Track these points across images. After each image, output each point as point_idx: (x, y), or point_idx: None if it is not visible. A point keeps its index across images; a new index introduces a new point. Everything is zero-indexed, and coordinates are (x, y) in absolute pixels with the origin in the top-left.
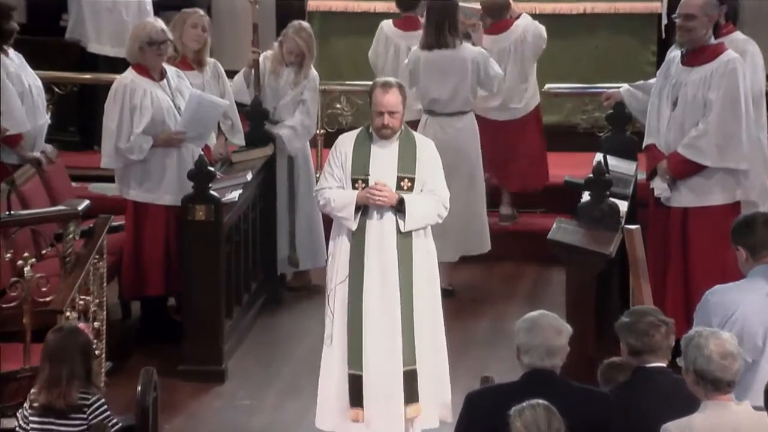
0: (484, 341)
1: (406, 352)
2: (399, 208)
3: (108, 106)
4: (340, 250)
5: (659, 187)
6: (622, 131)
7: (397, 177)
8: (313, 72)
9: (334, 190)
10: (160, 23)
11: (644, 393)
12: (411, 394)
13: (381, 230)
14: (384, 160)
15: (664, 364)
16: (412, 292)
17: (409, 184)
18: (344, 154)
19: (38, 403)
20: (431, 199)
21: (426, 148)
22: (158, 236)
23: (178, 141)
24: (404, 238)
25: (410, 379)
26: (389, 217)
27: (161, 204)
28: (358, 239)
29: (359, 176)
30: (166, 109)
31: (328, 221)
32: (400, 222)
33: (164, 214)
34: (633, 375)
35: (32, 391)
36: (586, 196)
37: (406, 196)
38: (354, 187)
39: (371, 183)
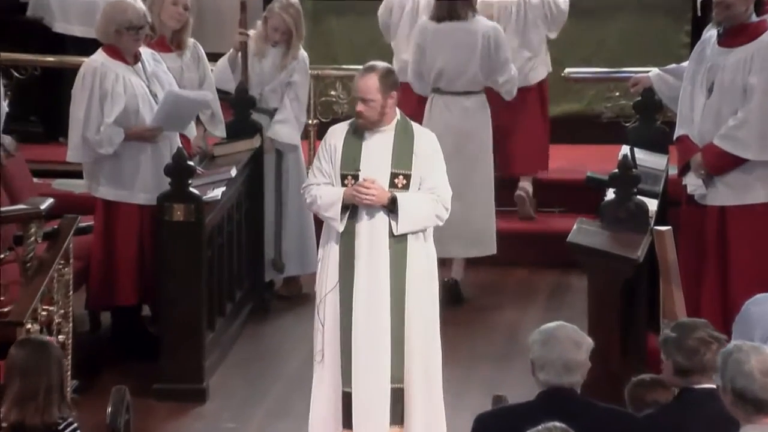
0: (496, 356)
1: (393, 368)
2: (392, 209)
3: (75, 93)
4: (329, 255)
5: (693, 183)
6: (652, 121)
7: (391, 173)
8: (302, 53)
9: (322, 187)
10: (140, 5)
11: (689, 418)
12: (395, 416)
13: (371, 233)
14: (376, 154)
15: (714, 386)
16: (404, 301)
17: (404, 181)
18: (333, 147)
19: (8, 422)
20: (429, 199)
21: (425, 141)
22: (131, 239)
23: (152, 136)
24: (398, 242)
25: (396, 399)
26: (381, 217)
27: (134, 203)
28: (346, 242)
29: (349, 172)
30: (141, 97)
31: (320, 223)
32: (393, 224)
33: (138, 214)
34: (678, 397)
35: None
36: (610, 194)
37: (399, 195)
38: (343, 184)
39: (361, 179)
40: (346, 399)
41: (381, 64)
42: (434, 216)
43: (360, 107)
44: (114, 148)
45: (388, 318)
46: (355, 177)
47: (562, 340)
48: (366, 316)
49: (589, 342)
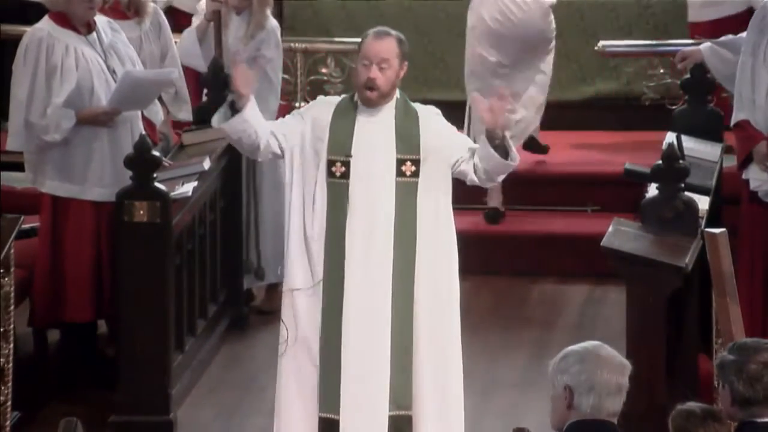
0: (519, 381)
1: (396, 390)
2: (502, 140)
3: (16, 68)
4: (313, 234)
5: (757, 177)
6: (703, 103)
7: (397, 159)
8: (272, 23)
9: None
10: None
11: None
12: None
13: (370, 219)
14: (374, 136)
15: None
16: (413, 302)
17: (413, 168)
18: (320, 120)
19: None
20: None
21: (429, 120)
22: (84, 243)
23: (108, 120)
24: (404, 227)
25: (401, 429)
26: (380, 205)
27: (88, 199)
28: (335, 227)
29: (338, 157)
30: (96, 73)
31: None
32: (500, 156)
33: (93, 214)
34: None
35: None
36: (653, 190)
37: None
38: (330, 171)
39: (353, 166)
40: (326, 427)
41: (391, 30)
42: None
43: (374, 73)
44: (63, 135)
45: (388, 321)
46: (346, 164)
47: (609, 360)
48: (362, 321)
49: (629, 366)
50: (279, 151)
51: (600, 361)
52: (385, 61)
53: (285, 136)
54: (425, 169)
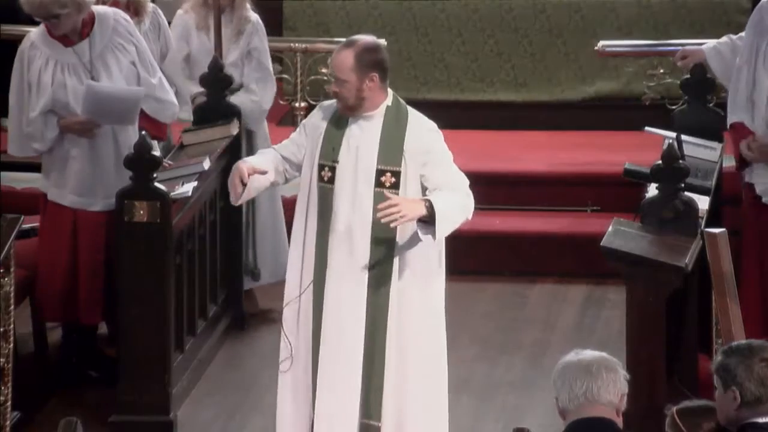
0: (519, 382)
1: (367, 400)
2: (429, 218)
3: (12, 75)
4: (306, 243)
5: (762, 181)
6: (703, 103)
7: (377, 170)
8: (253, 15)
9: (267, 152)
10: None
11: None
12: None
13: (350, 230)
14: (360, 145)
15: None
16: (387, 311)
17: (393, 179)
18: (318, 126)
19: None
20: (457, 198)
21: (419, 133)
22: (62, 246)
23: (85, 131)
24: (382, 237)
25: None
26: (359, 214)
27: (64, 204)
28: (320, 241)
29: (326, 162)
30: (71, 88)
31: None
32: (425, 233)
33: (69, 218)
34: None
35: None
36: (652, 190)
37: (433, 198)
38: (320, 176)
39: (338, 172)
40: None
41: (365, 38)
42: (464, 209)
43: (333, 87)
44: (48, 144)
45: (362, 331)
46: (332, 169)
47: (581, 354)
48: (335, 328)
49: (605, 355)
50: (297, 172)
51: (571, 358)
52: (339, 76)
53: (294, 154)
54: (409, 180)
